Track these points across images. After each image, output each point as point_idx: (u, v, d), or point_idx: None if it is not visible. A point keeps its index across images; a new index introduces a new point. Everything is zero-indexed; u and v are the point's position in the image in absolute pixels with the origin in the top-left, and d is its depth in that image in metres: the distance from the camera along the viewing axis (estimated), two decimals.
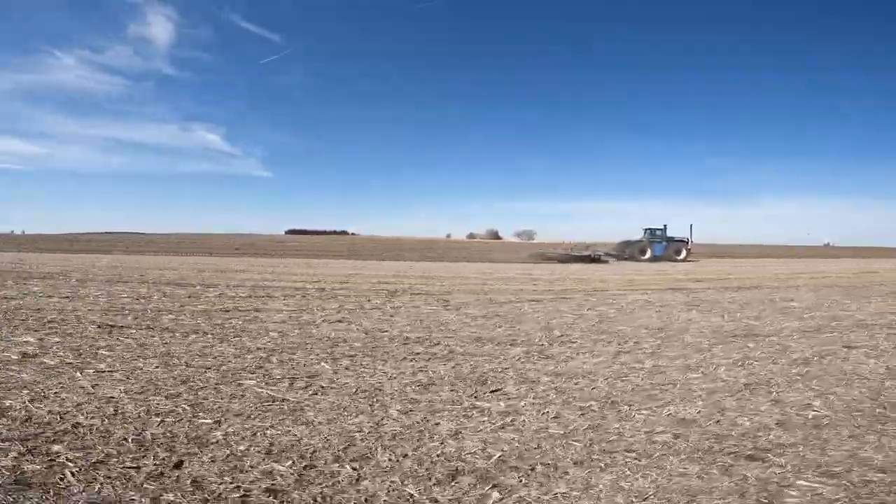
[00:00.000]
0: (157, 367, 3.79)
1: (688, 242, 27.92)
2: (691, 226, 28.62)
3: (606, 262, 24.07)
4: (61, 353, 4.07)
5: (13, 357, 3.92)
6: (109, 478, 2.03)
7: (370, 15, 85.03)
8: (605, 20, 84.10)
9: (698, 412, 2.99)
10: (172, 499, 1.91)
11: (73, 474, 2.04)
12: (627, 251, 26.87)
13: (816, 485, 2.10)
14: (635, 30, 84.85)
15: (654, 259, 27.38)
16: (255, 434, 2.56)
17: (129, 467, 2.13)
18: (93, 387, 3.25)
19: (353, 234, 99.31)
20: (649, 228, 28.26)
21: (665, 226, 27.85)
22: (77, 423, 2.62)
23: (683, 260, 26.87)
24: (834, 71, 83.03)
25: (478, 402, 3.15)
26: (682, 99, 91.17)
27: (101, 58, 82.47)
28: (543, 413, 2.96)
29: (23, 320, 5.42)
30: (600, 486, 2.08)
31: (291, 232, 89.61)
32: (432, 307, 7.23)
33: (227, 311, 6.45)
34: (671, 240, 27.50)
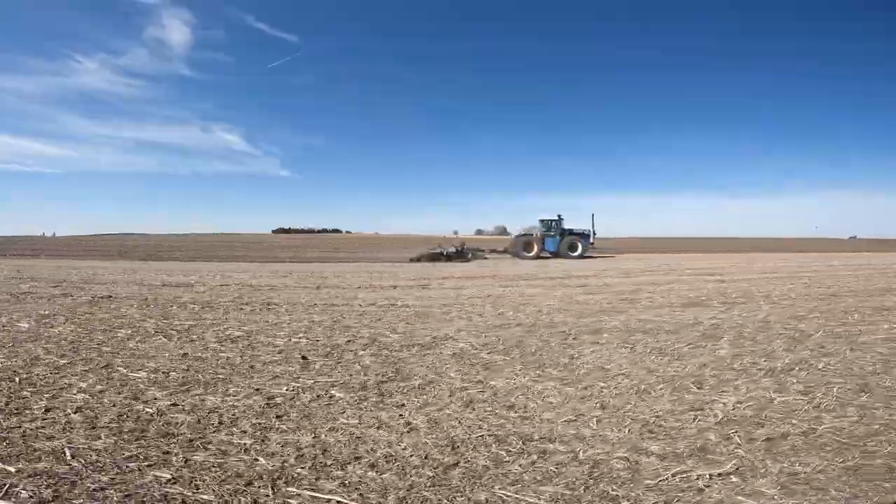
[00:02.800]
0: None
1: (589, 236, 24.92)
2: (593, 216, 25.51)
3: (455, 259, 21.87)
4: None
5: None
6: None
7: (383, 15, 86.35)
8: (614, 20, 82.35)
9: None
10: None
11: None
12: (514, 247, 24.46)
13: None
14: (645, 28, 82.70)
15: (547, 255, 24.82)
16: None
17: None
18: None
19: (347, 232, 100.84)
20: (543, 219, 25.58)
21: (560, 216, 24.96)
22: None
23: (580, 257, 24.03)
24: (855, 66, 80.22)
25: None
26: (699, 96, 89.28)
27: (121, 61, 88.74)
28: None
29: None
30: None
31: (279, 231, 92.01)
32: None
33: None
34: (568, 232, 24.64)
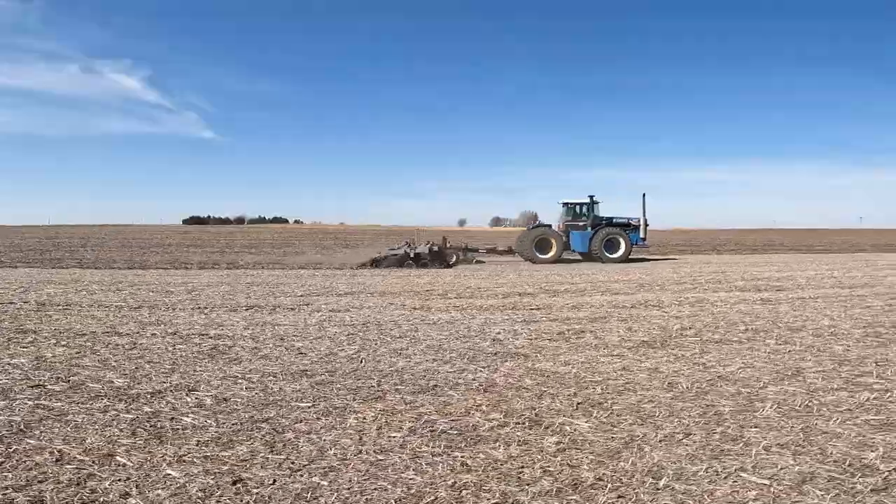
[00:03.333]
0: None
1: (639, 228, 24.41)
2: (644, 196, 24.80)
3: (431, 263, 21.93)
4: None
5: None
6: None
7: None
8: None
9: None
10: None
11: None
12: (524, 245, 24.32)
13: None
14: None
15: (576, 257, 24.65)
16: None
17: None
18: None
19: (297, 223, 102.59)
20: (568, 203, 25.27)
21: (592, 198, 24.58)
22: None
23: (623, 259, 23.65)
24: None
25: None
26: None
27: None
28: None
29: None
30: None
31: (192, 221, 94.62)
32: None
33: None
34: (606, 223, 24.24)
